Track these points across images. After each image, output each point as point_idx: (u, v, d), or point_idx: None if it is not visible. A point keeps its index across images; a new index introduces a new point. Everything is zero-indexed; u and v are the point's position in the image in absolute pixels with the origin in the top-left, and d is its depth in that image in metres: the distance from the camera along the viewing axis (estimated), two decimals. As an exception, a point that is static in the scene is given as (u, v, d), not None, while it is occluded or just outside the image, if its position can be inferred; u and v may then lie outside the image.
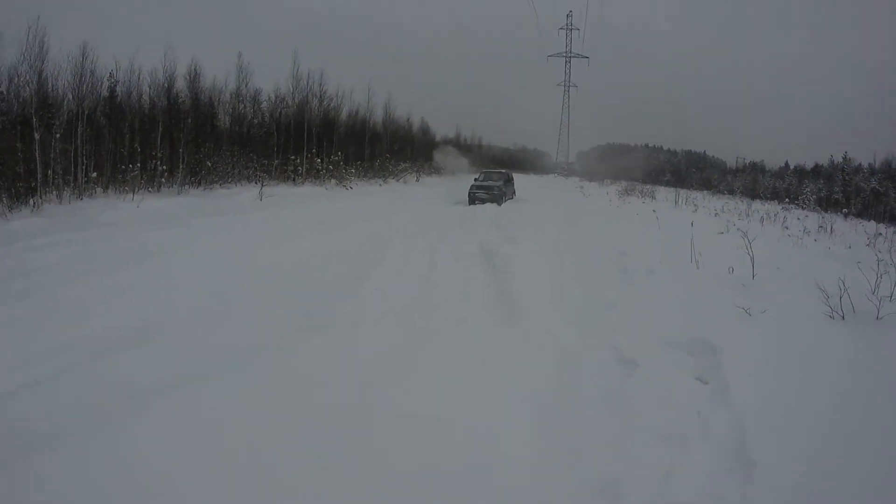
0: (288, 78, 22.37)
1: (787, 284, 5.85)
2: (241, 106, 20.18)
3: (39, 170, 11.47)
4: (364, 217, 12.83)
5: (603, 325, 5.05)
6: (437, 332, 4.89)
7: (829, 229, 12.83)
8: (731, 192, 38.51)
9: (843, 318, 4.66)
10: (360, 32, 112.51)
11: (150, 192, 14.10)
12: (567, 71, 66.19)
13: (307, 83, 22.36)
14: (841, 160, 40.52)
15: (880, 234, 12.36)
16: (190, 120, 16.66)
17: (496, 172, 21.41)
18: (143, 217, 10.72)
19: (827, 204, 28.78)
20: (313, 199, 16.27)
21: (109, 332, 4.56)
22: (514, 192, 20.84)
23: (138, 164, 14.36)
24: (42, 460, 2.75)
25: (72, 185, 12.68)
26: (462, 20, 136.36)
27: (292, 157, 20.82)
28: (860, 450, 2.82)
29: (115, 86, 15.36)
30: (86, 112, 13.45)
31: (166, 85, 16.75)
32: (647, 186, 30.82)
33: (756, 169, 52.30)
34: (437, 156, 35.99)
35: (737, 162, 59.34)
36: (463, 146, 46.20)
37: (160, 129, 15.54)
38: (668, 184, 42.33)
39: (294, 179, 20.19)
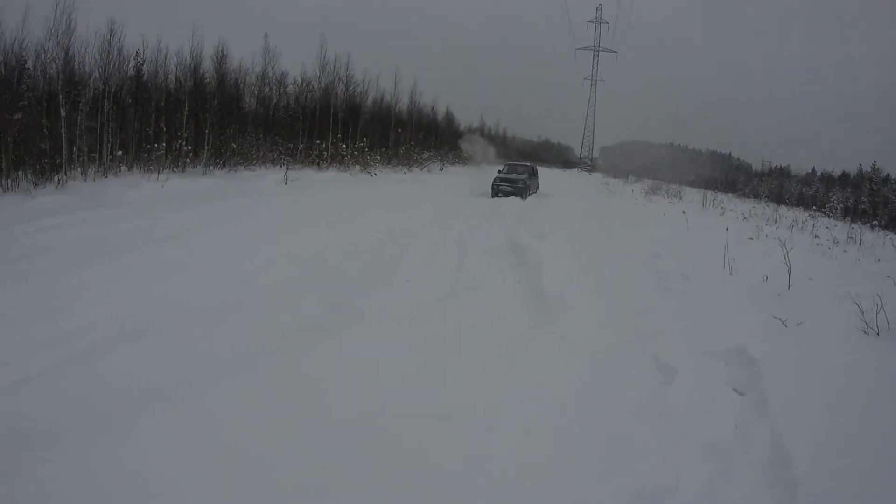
0: (315, 62, 22.08)
1: (822, 296, 5.74)
2: (267, 88, 19.93)
3: (65, 147, 11.31)
4: (391, 205, 12.61)
5: (641, 330, 4.91)
6: (473, 329, 4.73)
7: (858, 240, 12.64)
8: (757, 196, 37.58)
9: (878, 334, 4.60)
10: (387, 18, 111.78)
11: (174, 171, 13.92)
12: (595, 65, 64.99)
13: (334, 67, 22.07)
14: (869, 169, 39.27)
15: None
16: (216, 101, 16.43)
17: (520, 165, 20.75)
18: (168, 197, 10.53)
19: (854, 213, 27.80)
20: (338, 185, 16.04)
21: (124, 319, 4.29)
22: (538, 186, 20.31)
23: (164, 144, 14.16)
24: (43, 460, 2.52)
25: (97, 162, 12.53)
26: (491, 10, 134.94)
27: (317, 142, 20.56)
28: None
29: (142, 65, 15.18)
30: (112, 90, 13.28)
31: (193, 65, 16.55)
32: (674, 186, 30.04)
33: (783, 174, 51.22)
34: (465, 144, 35.54)
35: (762, 165, 58.12)
36: (487, 137, 45.57)
37: (186, 109, 15.34)
38: (692, 184, 41.44)
39: (319, 164, 19.93)
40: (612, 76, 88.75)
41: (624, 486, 2.73)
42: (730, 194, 35.67)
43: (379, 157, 22.95)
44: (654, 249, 8.32)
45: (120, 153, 13.23)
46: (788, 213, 20.67)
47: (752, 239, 10.05)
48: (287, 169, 15.66)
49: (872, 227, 19.40)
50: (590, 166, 63.14)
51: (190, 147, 14.92)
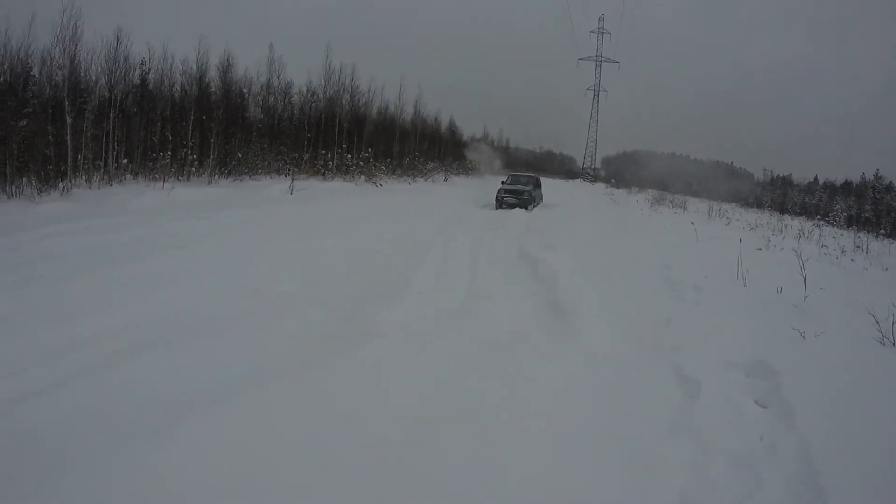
0: (320, 71, 22.14)
1: (836, 307, 5.75)
2: (272, 98, 19.92)
3: (70, 154, 11.23)
4: (397, 216, 12.48)
5: (660, 342, 4.83)
6: (492, 344, 4.59)
7: (864, 249, 12.77)
8: (760, 206, 37.53)
9: (893, 344, 4.66)
10: (391, 28, 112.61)
11: (179, 180, 13.84)
12: (597, 75, 65.07)
13: (339, 77, 22.08)
14: (872, 178, 39.20)
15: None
16: (221, 111, 16.39)
17: (524, 176, 20.41)
18: (174, 206, 10.42)
19: (857, 222, 27.71)
20: (343, 195, 15.92)
21: (130, 328, 4.17)
22: (542, 197, 20.06)
23: (169, 153, 14.08)
24: (49, 482, 2.39)
25: (102, 170, 12.45)
26: (493, 19, 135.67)
27: (323, 152, 20.50)
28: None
29: (148, 73, 15.16)
30: (118, 98, 13.23)
31: (198, 75, 16.55)
32: (678, 196, 30.01)
33: (785, 182, 51.25)
34: (471, 154, 35.50)
35: (764, 174, 58.07)
36: (490, 146, 45.64)
37: (192, 117, 15.28)
38: (695, 194, 41.42)
39: (324, 174, 19.85)
40: (615, 86, 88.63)
41: (660, 501, 2.70)
42: (733, 204, 35.65)
43: (384, 168, 22.86)
44: (665, 260, 8.27)
45: (125, 161, 13.14)
46: (793, 223, 20.75)
47: (760, 250, 10.13)
48: (292, 179, 15.56)
49: (877, 235, 19.37)
50: (592, 177, 63.05)
51: (195, 156, 14.83)
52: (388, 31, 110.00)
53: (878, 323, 4.79)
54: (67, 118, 11.26)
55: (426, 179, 26.50)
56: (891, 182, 38.33)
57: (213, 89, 17.25)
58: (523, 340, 4.75)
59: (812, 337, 4.67)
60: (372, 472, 2.70)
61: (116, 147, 13.05)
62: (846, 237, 16.34)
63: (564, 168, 71.81)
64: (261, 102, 19.57)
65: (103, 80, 13.15)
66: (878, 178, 38.88)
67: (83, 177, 11.67)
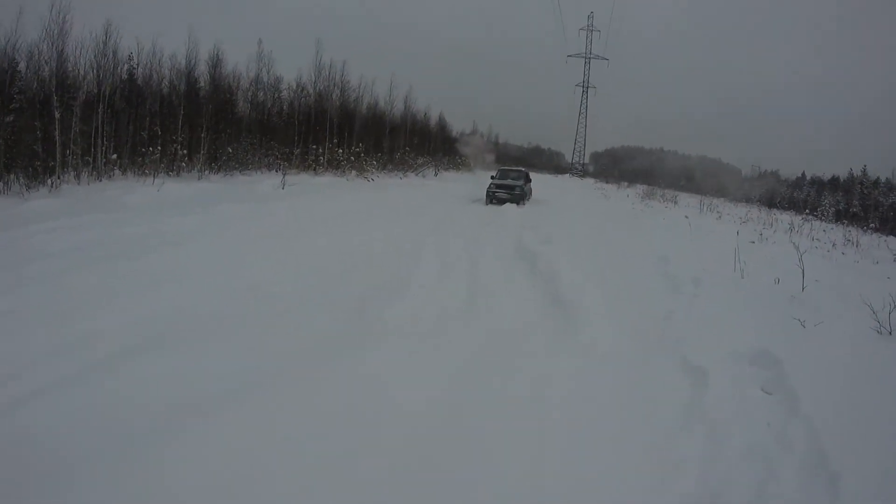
0: (310, 67, 21.96)
1: (832, 298, 5.86)
2: (262, 93, 19.73)
3: (58, 150, 11.05)
4: (392, 210, 12.46)
5: (664, 335, 4.86)
6: (500, 341, 4.57)
7: (855, 243, 13.03)
8: (749, 200, 37.84)
9: (890, 333, 4.76)
10: (381, 24, 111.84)
11: (169, 175, 13.68)
12: (586, 72, 65.22)
13: (329, 73, 21.94)
14: (860, 173, 39.67)
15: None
16: (211, 106, 16.21)
17: (514, 170, 19.92)
18: (165, 201, 10.28)
19: (846, 217, 28.11)
20: (335, 190, 15.83)
21: (129, 328, 4.10)
22: (531, 192, 19.75)
23: (158, 148, 13.90)
24: (50, 480, 2.37)
25: (91, 166, 12.27)
26: (481, 17, 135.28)
27: (314, 147, 20.37)
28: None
29: (136, 68, 14.91)
30: (106, 93, 13.03)
31: (187, 70, 16.33)
32: (669, 191, 30.18)
33: (773, 178, 51.70)
34: (465, 148, 35.40)
35: (752, 169, 58.49)
36: (481, 140, 45.59)
37: (182, 112, 15.10)
38: (683, 188, 41.63)
39: (315, 169, 19.73)
40: (604, 83, 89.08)
41: (680, 492, 2.72)
42: (722, 199, 35.87)
43: (375, 163, 22.77)
44: (661, 254, 8.34)
45: (114, 157, 12.96)
46: (782, 217, 20.98)
47: (753, 243, 10.28)
48: (284, 174, 15.45)
49: (865, 230, 19.62)
50: (581, 172, 63.23)
51: (185, 151, 14.67)
52: (377, 30, 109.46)
53: (874, 313, 4.90)
54: (56, 113, 11.07)
55: (417, 174, 26.43)
56: (878, 178, 38.94)
57: (202, 84, 17.04)
58: (529, 336, 4.75)
59: (812, 326, 4.78)
60: (404, 452, 2.78)
61: (105, 142, 12.85)
62: (836, 231, 16.58)
63: (553, 163, 71.90)
64: (250, 98, 19.38)
65: (91, 75, 12.93)
66: (865, 174, 39.42)
67: (72, 173, 11.48)
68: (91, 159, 12.36)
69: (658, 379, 3.98)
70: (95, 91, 12.84)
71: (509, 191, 16.92)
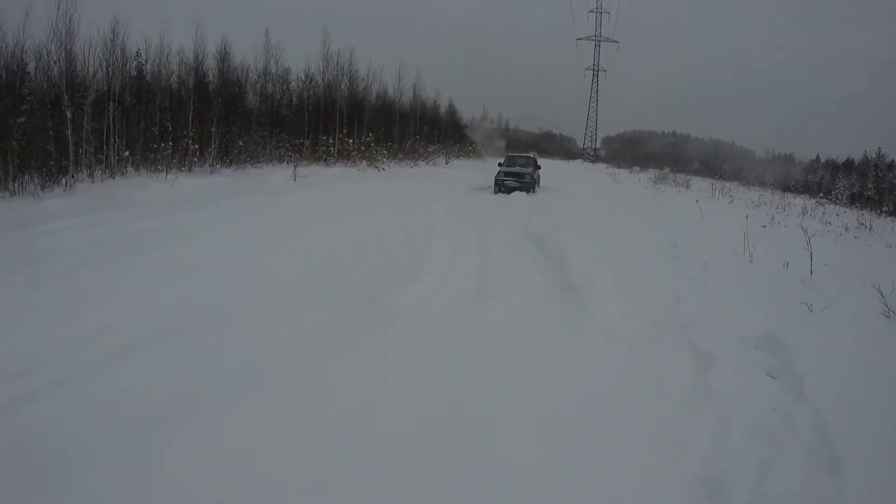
0: (318, 57, 21.83)
1: (842, 282, 5.81)
2: (270, 85, 19.70)
3: (71, 149, 11.13)
4: (403, 198, 12.43)
5: (674, 318, 4.90)
6: (512, 323, 4.62)
7: (868, 227, 12.83)
8: (762, 184, 37.24)
9: None
10: (388, 9, 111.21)
11: (182, 171, 13.75)
12: (596, 55, 64.28)
13: (337, 62, 21.81)
14: (875, 156, 38.78)
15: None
16: (220, 99, 16.23)
17: (523, 157, 19.48)
18: (178, 196, 10.32)
19: (860, 200, 27.50)
20: (347, 180, 15.81)
21: (143, 320, 4.12)
22: (540, 178, 19.00)
23: (170, 143, 13.96)
24: (52, 477, 2.37)
25: (103, 163, 12.36)
26: (491, 1, 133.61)
27: (324, 138, 20.35)
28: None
29: (144, 64, 14.97)
30: (116, 90, 13.09)
31: (196, 64, 16.33)
32: (681, 175, 29.77)
33: (787, 161, 50.95)
34: (475, 135, 35.21)
35: (766, 152, 57.65)
36: (492, 126, 45.35)
37: (192, 107, 15.15)
38: (696, 172, 41.10)
39: (326, 160, 19.71)
40: (614, 66, 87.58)
41: (685, 471, 2.76)
42: (735, 182, 35.36)
43: (385, 152, 22.69)
44: (671, 238, 8.31)
45: (127, 154, 13.05)
46: (796, 201, 20.51)
47: (765, 227, 10.18)
48: (295, 166, 15.45)
49: (880, 213, 19.24)
50: (593, 157, 62.63)
51: (196, 146, 14.73)
52: (384, 16, 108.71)
53: (883, 297, 4.85)
54: (67, 113, 11.13)
55: (428, 163, 26.33)
56: (893, 160, 38.01)
57: (211, 78, 17.06)
58: (538, 320, 4.78)
59: (819, 310, 4.75)
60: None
61: (117, 140, 12.93)
62: (849, 215, 16.30)
63: (564, 149, 71.28)
64: (259, 90, 19.37)
65: (101, 73, 12.99)
66: (880, 156, 38.53)
67: (85, 171, 11.57)
68: (104, 157, 12.44)
69: (666, 361, 4.03)
70: (105, 89, 12.88)
71: (518, 178, 16.54)
